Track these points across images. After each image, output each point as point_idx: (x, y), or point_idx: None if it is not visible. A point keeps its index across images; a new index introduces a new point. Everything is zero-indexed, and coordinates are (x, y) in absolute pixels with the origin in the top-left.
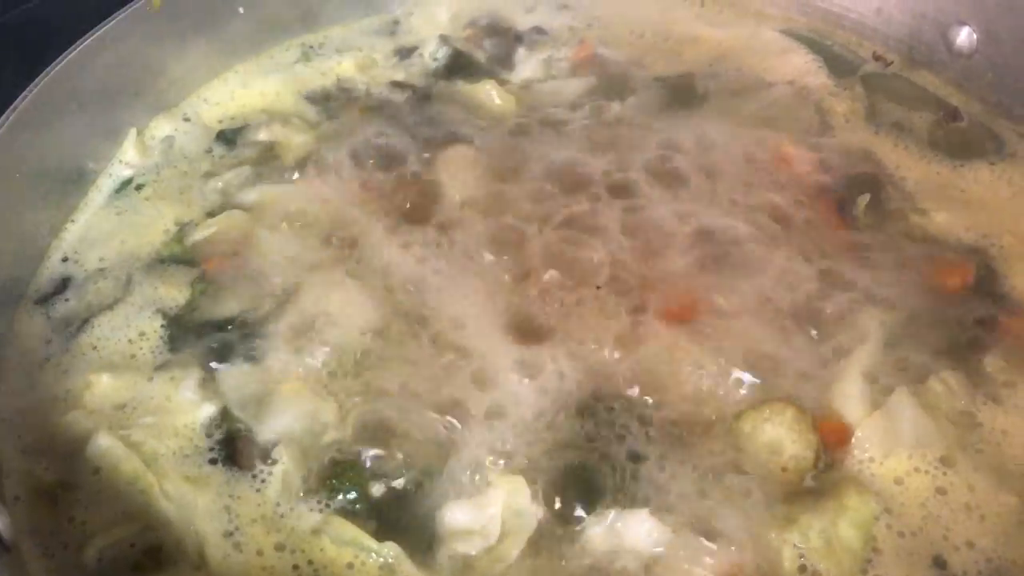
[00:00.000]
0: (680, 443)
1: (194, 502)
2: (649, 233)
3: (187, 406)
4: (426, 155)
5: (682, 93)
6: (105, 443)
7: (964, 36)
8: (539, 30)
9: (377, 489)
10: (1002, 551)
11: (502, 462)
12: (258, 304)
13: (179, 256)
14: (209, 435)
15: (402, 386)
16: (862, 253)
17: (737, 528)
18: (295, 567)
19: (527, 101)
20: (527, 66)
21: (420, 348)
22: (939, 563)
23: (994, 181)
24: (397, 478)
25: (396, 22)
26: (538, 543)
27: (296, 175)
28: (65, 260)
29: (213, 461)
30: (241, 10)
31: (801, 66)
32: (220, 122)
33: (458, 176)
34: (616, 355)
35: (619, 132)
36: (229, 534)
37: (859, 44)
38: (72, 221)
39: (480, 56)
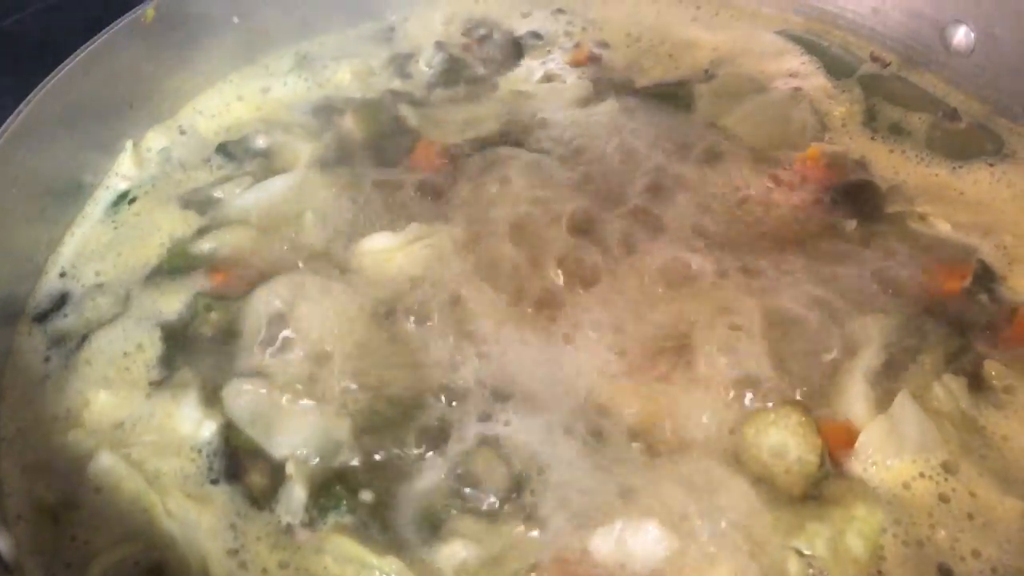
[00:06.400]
0: (686, 450)
1: (198, 520)
2: (643, 241)
3: (189, 423)
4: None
5: (678, 97)
6: (107, 462)
7: (961, 35)
8: (535, 35)
9: (377, 502)
10: (1008, 560)
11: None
12: (261, 317)
13: (178, 269)
14: (212, 453)
15: (407, 389)
16: (861, 257)
17: (743, 535)
18: None
19: (523, 105)
20: (523, 71)
21: (423, 349)
22: (944, 571)
23: (993, 183)
24: (400, 491)
25: (391, 29)
26: (543, 552)
27: (297, 184)
28: (63, 275)
29: (215, 481)
30: (236, 20)
31: (798, 68)
32: (216, 134)
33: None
34: (622, 364)
35: (614, 136)
36: (234, 552)
37: (857, 45)
38: (70, 235)
39: (476, 62)
